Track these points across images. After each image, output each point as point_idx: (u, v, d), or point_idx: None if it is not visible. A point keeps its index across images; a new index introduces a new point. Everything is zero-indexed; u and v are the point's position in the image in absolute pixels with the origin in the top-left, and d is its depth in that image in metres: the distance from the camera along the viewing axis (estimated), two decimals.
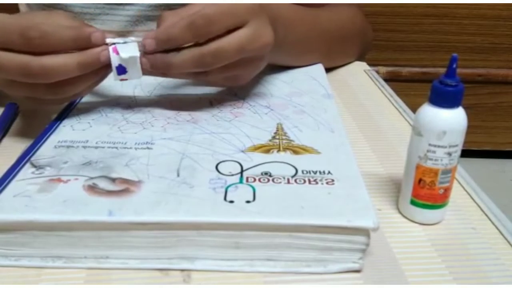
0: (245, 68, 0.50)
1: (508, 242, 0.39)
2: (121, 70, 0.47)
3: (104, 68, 0.47)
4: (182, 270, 0.36)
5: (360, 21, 0.75)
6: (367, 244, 0.35)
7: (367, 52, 0.79)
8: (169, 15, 0.47)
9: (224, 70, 0.48)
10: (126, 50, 0.47)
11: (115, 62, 0.47)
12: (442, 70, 0.38)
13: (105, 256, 0.36)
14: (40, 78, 0.44)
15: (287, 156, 0.43)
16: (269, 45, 0.49)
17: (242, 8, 0.46)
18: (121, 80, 0.48)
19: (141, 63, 0.47)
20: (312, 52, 0.66)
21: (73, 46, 0.45)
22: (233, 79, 0.51)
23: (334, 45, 0.68)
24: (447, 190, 0.40)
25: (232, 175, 0.40)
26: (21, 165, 0.41)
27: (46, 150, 0.43)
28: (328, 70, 0.67)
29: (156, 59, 0.47)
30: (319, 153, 0.44)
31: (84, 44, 0.45)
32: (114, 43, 0.46)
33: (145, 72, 0.48)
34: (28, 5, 0.73)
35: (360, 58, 0.76)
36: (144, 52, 0.47)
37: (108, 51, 0.46)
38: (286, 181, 0.39)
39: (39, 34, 0.43)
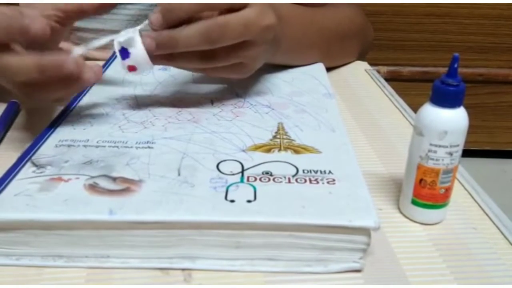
0: (250, 52, 0.49)
1: (509, 242, 0.39)
2: (125, 54, 0.47)
3: (74, 80, 0.44)
4: (183, 269, 0.36)
5: (360, 20, 0.75)
6: (368, 244, 0.35)
7: (367, 52, 0.79)
8: None
9: (230, 53, 0.48)
10: (124, 35, 0.46)
11: (117, 46, 0.47)
12: (443, 70, 0.38)
13: (106, 255, 0.36)
14: (3, 75, 0.43)
15: (288, 155, 0.43)
16: (272, 28, 0.49)
17: (253, 25, 0.47)
18: (130, 70, 0.47)
19: (145, 45, 0.46)
20: (310, 51, 0.65)
21: (4, 35, 0.42)
22: (238, 69, 0.51)
23: (333, 44, 0.68)
24: (448, 190, 0.40)
25: (233, 174, 0.40)
26: (22, 164, 0.41)
27: (47, 149, 0.43)
28: (328, 69, 0.66)
29: (161, 35, 0.46)
30: (320, 152, 0.44)
31: (17, 35, 0.43)
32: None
33: (151, 54, 0.47)
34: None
35: (360, 57, 0.76)
36: (152, 29, 0.46)
37: (75, 63, 0.43)
38: (287, 180, 0.39)
39: None
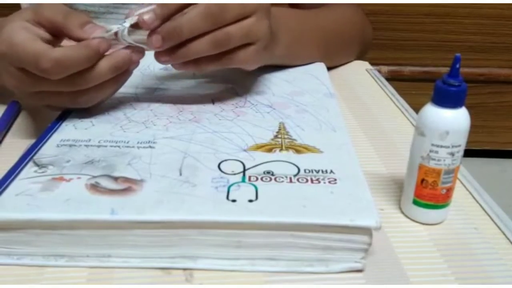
0: (255, 24, 0.49)
1: (510, 241, 0.39)
2: None
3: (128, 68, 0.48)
4: (184, 269, 0.36)
5: (359, 20, 0.74)
6: (369, 244, 0.35)
7: (366, 51, 0.79)
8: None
9: (237, 30, 0.47)
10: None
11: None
12: (444, 70, 0.38)
13: (107, 254, 0.36)
14: (78, 85, 0.45)
15: (289, 155, 0.43)
16: (267, 33, 0.50)
17: (251, 3, 0.48)
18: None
19: (152, 42, 0.46)
20: (309, 51, 0.65)
21: (88, 64, 0.45)
22: (248, 54, 0.50)
23: (332, 44, 0.68)
24: (449, 190, 0.40)
25: (235, 174, 0.40)
26: (23, 164, 0.41)
27: (48, 149, 0.43)
28: (329, 69, 0.66)
29: (164, 27, 0.45)
30: (321, 152, 0.44)
31: (96, 58, 0.45)
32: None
33: (157, 50, 0.47)
34: (31, 5, 0.73)
35: (360, 57, 0.76)
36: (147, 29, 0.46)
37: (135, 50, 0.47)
38: (288, 180, 0.39)
39: (51, 64, 0.43)
